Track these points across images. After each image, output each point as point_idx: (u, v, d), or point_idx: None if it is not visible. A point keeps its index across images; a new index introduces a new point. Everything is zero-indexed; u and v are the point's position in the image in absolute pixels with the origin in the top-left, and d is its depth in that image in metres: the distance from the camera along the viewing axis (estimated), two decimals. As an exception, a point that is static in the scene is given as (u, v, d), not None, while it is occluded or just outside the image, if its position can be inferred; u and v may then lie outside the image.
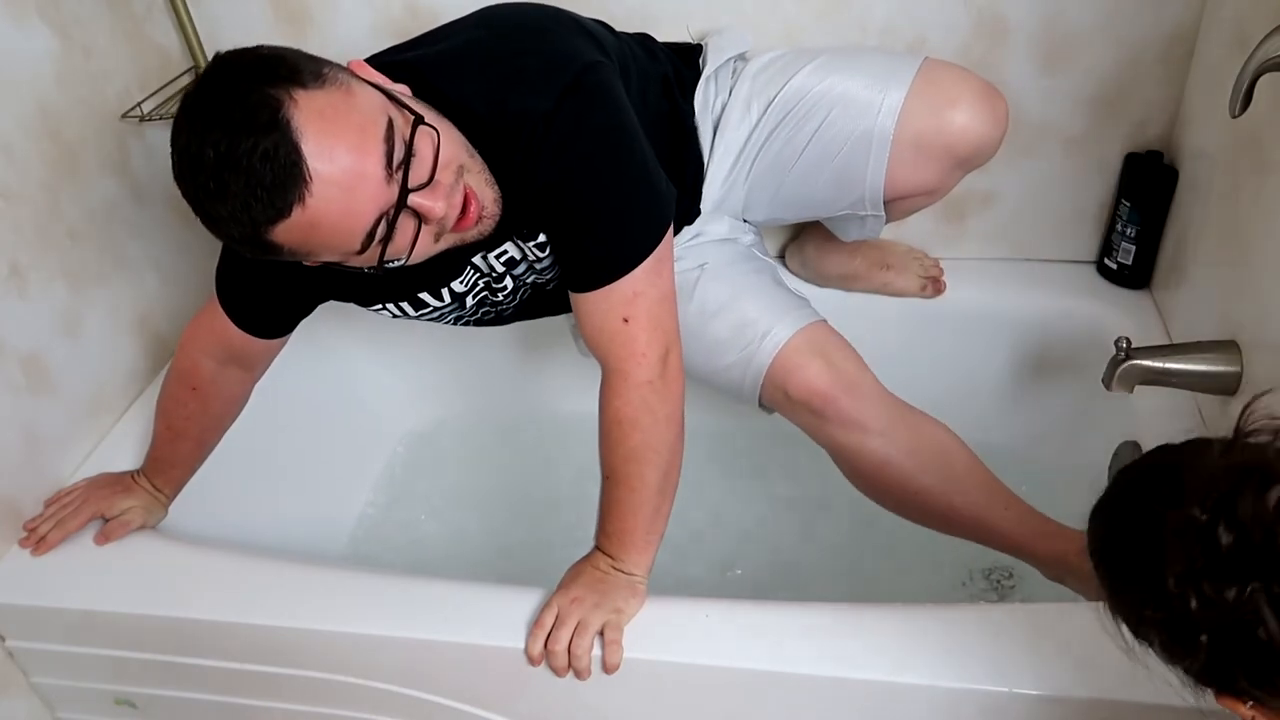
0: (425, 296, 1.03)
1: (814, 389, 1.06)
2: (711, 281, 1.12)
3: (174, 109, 1.25)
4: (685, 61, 1.17)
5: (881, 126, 1.07)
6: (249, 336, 1.05)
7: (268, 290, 1.03)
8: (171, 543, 1.10)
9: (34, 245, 1.12)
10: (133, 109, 1.26)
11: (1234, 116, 0.85)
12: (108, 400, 1.25)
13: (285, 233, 0.76)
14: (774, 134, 1.12)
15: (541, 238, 0.96)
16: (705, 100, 1.15)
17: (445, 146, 0.81)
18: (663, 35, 1.21)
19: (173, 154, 0.76)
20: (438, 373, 1.63)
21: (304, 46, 1.35)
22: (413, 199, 0.78)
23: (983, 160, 1.12)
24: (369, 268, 0.83)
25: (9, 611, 1.06)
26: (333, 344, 1.52)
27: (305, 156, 0.73)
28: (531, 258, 0.98)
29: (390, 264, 0.83)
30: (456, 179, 0.83)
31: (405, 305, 1.04)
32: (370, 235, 0.78)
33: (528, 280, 1.04)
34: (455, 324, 1.10)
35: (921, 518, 1.11)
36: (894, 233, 1.41)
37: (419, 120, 0.79)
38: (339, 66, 0.80)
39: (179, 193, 0.78)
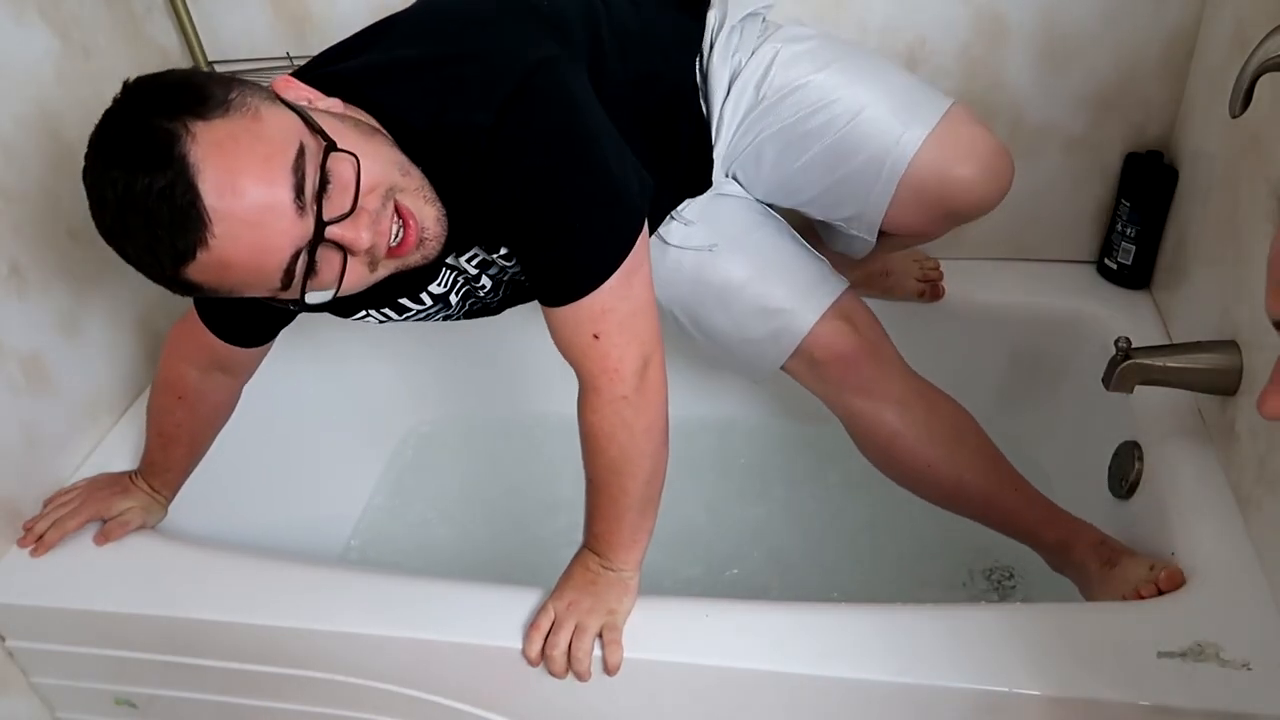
0: (405, 301, 1.00)
1: (840, 353, 1.06)
2: (735, 252, 1.09)
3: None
4: (690, 10, 1.10)
5: (897, 156, 1.04)
6: (231, 345, 1.04)
7: (244, 302, 0.99)
8: (171, 543, 1.10)
9: (34, 245, 1.12)
10: (133, 109, 1.26)
11: (1234, 116, 0.84)
12: (108, 400, 1.25)
13: (198, 273, 0.72)
14: (789, 120, 1.07)
15: (505, 249, 0.93)
16: (726, 49, 1.08)
17: (369, 170, 0.75)
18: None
19: (86, 192, 0.73)
20: (439, 373, 1.63)
21: (303, 47, 1.35)
22: (331, 231, 0.73)
23: (977, 217, 1.10)
24: (293, 304, 0.78)
25: (9, 611, 1.06)
26: (334, 344, 1.52)
27: (203, 195, 0.68)
28: (502, 263, 0.96)
29: (319, 299, 0.78)
30: (384, 203, 0.77)
31: (388, 310, 1.01)
32: (289, 272, 0.73)
33: (505, 278, 1.02)
34: (445, 321, 1.09)
35: (929, 493, 1.10)
36: (894, 233, 1.41)
37: (331, 146, 0.73)
38: (255, 88, 0.74)
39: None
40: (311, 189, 0.72)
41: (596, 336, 0.87)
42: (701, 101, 1.10)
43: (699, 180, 1.13)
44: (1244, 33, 1.07)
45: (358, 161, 0.74)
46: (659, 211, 1.10)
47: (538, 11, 0.90)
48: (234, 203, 0.69)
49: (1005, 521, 1.09)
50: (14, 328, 1.10)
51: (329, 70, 0.86)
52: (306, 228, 0.72)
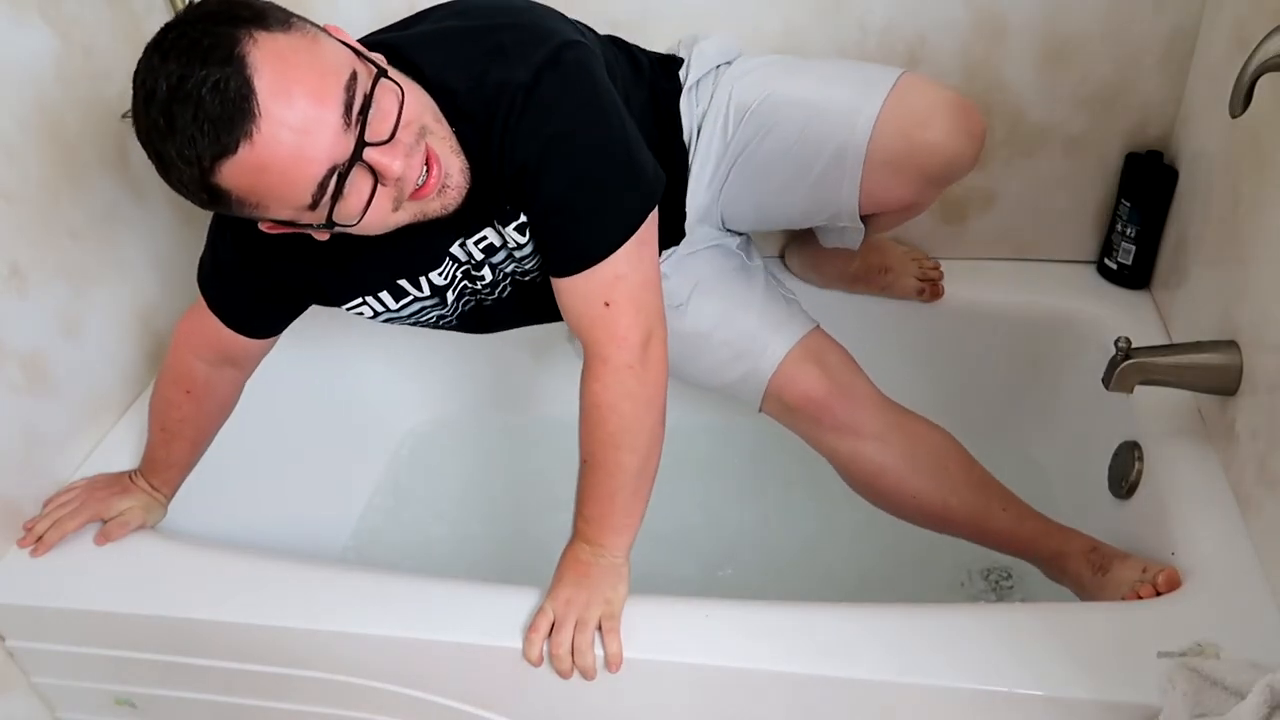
0: (404, 284, 1.00)
1: (810, 396, 1.07)
2: (704, 299, 1.11)
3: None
4: (665, 73, 1.14)
5: (855, 143, 1.04)
6: (240, 336, 1.05)
7: (250, 288, 1.02)
8: (171, 543, 1.10)
9: (34, 245, 1.12)
10: (133, 109, 1.26)
11: (1234, 116, 0.84)
12: (108, 400, 1.25)
13: (232, 174, 0.73)
14: (751, 143, 1.10)
15: (521, 218, 0.93)
16: (688, 109, 1.13)
17: (409, 104, 0.79)
18: (663, 33, 1.20)
19: (132, 93, 0.75)
20: (438, 373, 1.63)
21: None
22: (369, 154, 0.76)
23: (958, 176, 1.09)
24: (320, 225, 0.80)
25: (9, 611, 1.06)
26: (333, 344, 1.52)
27: (257, 92, 0.71)
28: (511, 244, 0.96)
29: (342, 227, 0.81)
30: (417, 140, 0.80)
31: (385, 296, 1.01)
32: (321, 187, 0.76)
33: (507, 270, 1.02)
34: (438, 324, 1.09)
35: (920, 520, 1.11)
36: (895, 233, 1.41)
37: (382, 73, 0.78)
38: (312, 22, 0.78)
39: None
40: (358, 110, 0.75)
41: (608, 304, 0.90)
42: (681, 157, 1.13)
43: (672, 233, 1.15)
44: (1244, 33, 1.07)
45: (402, 93, 0.79)
46: None
47: (571, 23, 0.97)
48: (285, 107, 0.72)
49: (998, 541, 1.10)
50: (14, 328, 1.10)
51: (370, 39, 0.90)
52: (346, 146, 0.75)
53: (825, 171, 1.07)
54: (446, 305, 1.05)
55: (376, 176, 0.79)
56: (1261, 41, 0.81)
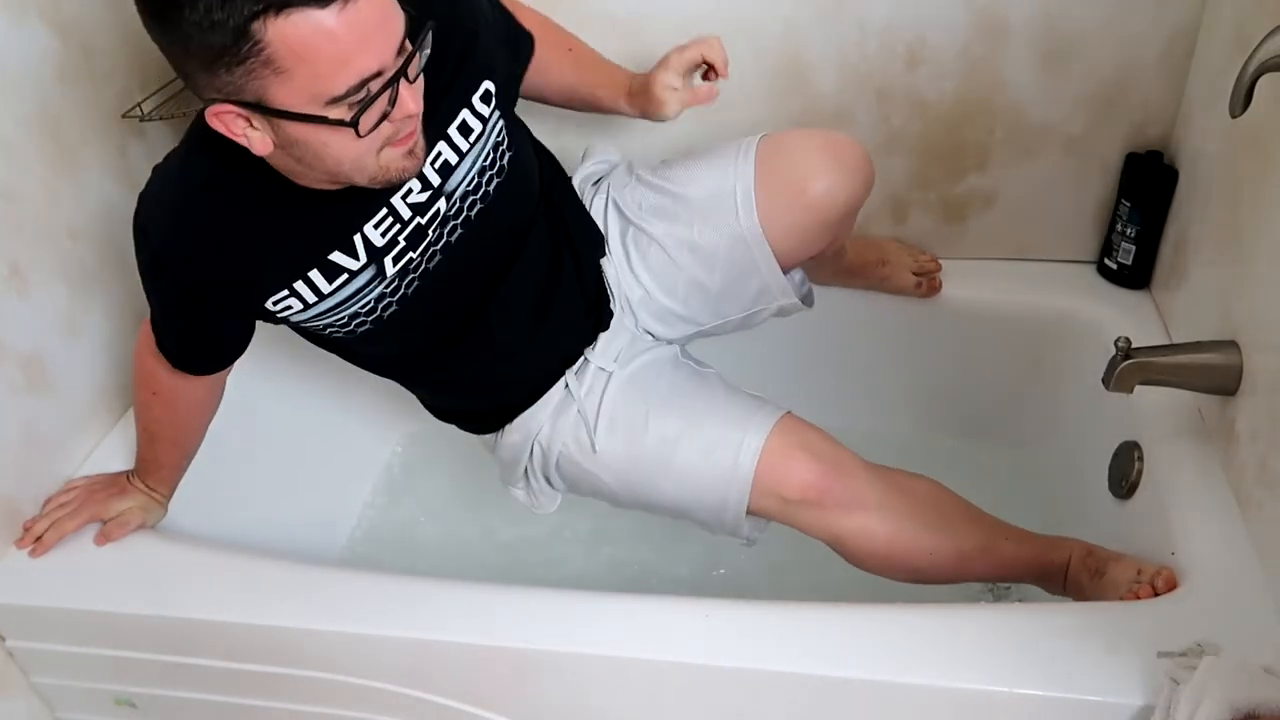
0: (337, 257, 0.94)
1: (808, 482, 1.02)
2: (662, 410, 1.05)
3: (174, 109, 1.25)
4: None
5: (749, 228, 1.05)
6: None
7: (189, 320, 1.00)
8: (171, 543, 1.10)
9: (34, 245, 1.12)
10: (133, 109, 1.26)
11: (1234, 116, 0.84)
12: (108, 400, 1.25)
13: (296, 29, 0.72)
14: (653, 261, 1.12)
15: (485, 85, 0.97)
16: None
17: (426, 79, 0.85)
18: (662, 33, 1.20)
19: None
20: (438, 373, 1.63)
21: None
22: (403, 83, 0.80)
23: (860, 203, 1.10)
24: (331, 118, 0.79)
25: (9, 611, 1.06)
26: (333, 344, 1.52)
27: None
28: (475, 131, 0.96)
29: (353, 129, 0.80)
30: (418, 111, 0.84)
31: (316, 276, 0.95)
32: (357, 87, 0.77)
33: (473, 182, 0.98)
34: (379, 314, 1.00)
35: (938, 576, 1.08)
36: (894, 232, 1.41)
37: (429, 29, 0.83)
38: None
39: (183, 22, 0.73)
40: (410, 47, 0.81)
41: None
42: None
43: (600, 315, 1.15)
44: (1244, 33, 1.07)
45: (424, 66, 0.84)
46: (576, 344, 1.13)
47: None
48: (373, 4, 0.75)
49: (1009, 570, 1.09)
50: (14, 328, 1.10)
51: None
52: (394, 63, 0.79)
53: (736, 260, 1.08)
54: (386, 277, 0.97)
55: (389, 111, 0.81)
56: (1261, 41, 0.80)
